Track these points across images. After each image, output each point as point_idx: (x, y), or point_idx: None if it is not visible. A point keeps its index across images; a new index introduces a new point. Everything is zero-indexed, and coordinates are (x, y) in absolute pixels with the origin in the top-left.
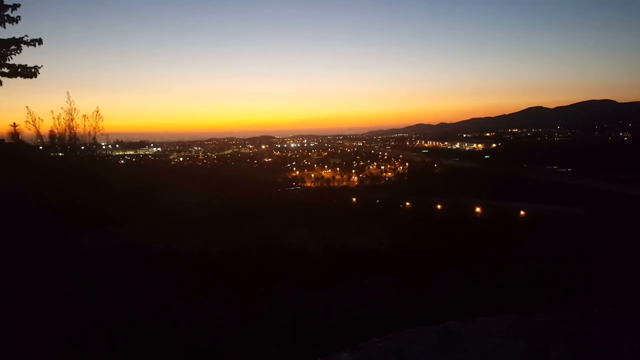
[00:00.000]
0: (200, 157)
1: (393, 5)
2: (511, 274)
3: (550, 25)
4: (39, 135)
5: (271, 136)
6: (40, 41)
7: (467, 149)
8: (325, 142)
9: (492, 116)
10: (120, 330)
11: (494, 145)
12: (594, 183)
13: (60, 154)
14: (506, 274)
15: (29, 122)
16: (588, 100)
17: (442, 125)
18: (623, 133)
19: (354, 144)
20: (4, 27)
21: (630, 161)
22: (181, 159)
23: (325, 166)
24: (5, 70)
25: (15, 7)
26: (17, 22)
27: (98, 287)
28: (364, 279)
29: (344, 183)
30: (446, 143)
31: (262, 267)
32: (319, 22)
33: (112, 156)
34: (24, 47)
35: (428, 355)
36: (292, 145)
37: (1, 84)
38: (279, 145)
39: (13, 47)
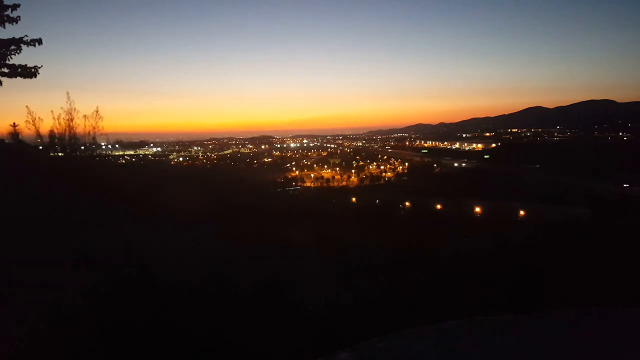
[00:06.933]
0: (200, 157)
1: (393, 7)
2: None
3: (550, 25)
4: (38, 135)
5: (271, 136)
6: (40, 41)
7: (467, 148)
8: (325, 142)
9: (492, 116)
10: None
11: (493, 145)
12: (592, 183)
13: (60, 154)
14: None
15: (29, 122)
16: (588, 100)
17: (442, 125)
18: (623, 133)
19: (354, 143)
20: (4, 27)
21: (629, 161)
22: (181, 159)
23: (325, 166)
24: (5, 70)
25: (15, 7)
26: (17, 22)
27: None
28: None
29: (344, 183)
30: (446, 143)
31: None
32: (319, 23)
33: (112, 156)
34: (24, 47)
35: (428, 355)
36: (292, 145)
37: (1, 84)
38: (278, 145)
39: (13, 47)
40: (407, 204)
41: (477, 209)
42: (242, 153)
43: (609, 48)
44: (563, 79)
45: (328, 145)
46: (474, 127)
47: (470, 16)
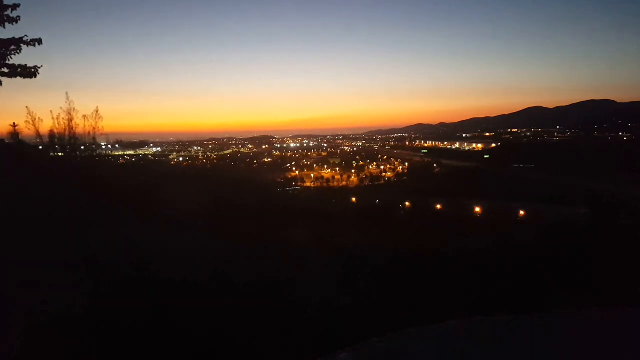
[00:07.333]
0: (200, 157)
1: (393, 7)
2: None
3: (550, 25)
4: (38, 135)
5: (271, 136)
6: (40, 41)
7: (467, 148)
8: (325, 142)
9: (492, 116)
10: None
11: (493, 145)
12: (592, 183)
13: (60, 154)
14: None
15: (29, 122)
16: (588, 100)
17: (442, 125)
18: (623, 133)
19: (354, 144)
20: (4, 27)
21: (629, 161)
22: (181, 159)
23: (325, 166)
24: (5, 70)
25: (15, 7)
26: (17, 22)
27: None
28: None
29: (344, 183)
30: (446, 143)
31: None
32: (319, 24)
33: (112, 156)
34: (24, 47)
35: (428, 355)
36: (292, 145)
37: (1, 84)
38: (278, 145)
39: (13, 47)
40: (407, 204)
41: (477, 209)
42: (242, 153)
43: (609, 48)
44: (563, 79)
45: (328, 145)
46: (474, 127)
47: (470, 16)
